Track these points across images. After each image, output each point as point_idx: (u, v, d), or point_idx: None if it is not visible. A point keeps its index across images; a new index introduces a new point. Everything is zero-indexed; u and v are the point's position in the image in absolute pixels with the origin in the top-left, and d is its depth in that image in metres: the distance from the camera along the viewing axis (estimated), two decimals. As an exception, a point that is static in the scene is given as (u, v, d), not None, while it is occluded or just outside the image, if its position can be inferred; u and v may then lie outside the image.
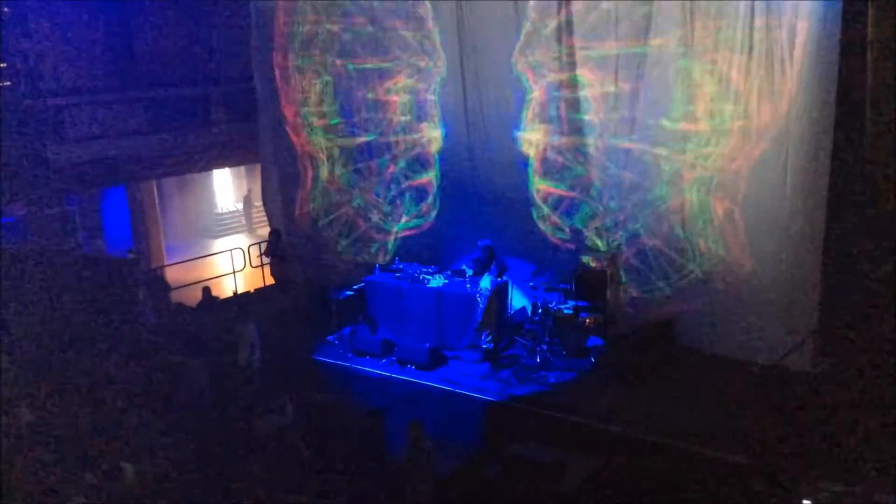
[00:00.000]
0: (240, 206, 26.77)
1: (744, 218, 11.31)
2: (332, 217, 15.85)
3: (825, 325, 10.55)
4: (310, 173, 15.94)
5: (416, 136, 14.76)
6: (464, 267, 13.18)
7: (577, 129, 12.76)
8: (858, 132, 10.22)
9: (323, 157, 15.78)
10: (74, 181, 16.05)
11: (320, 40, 15.22)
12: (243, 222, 26.28)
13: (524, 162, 13.46)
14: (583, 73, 12.52)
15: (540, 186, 13.34)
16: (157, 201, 19.41)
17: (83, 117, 15.86)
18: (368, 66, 14.86)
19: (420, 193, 14.96)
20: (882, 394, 8.93)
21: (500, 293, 12.60)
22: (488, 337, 12.45)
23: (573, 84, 12.65)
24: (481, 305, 12.42)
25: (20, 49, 15.88)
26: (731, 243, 11.50)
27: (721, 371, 11.07)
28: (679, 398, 10.61)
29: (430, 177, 14.80)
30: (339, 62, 15.13)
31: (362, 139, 15.30)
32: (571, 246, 13.08)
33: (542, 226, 13.43)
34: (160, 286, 15.45)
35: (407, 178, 15.02)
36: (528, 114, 13.25)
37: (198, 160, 18.70)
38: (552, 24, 12.63)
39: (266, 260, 15.94)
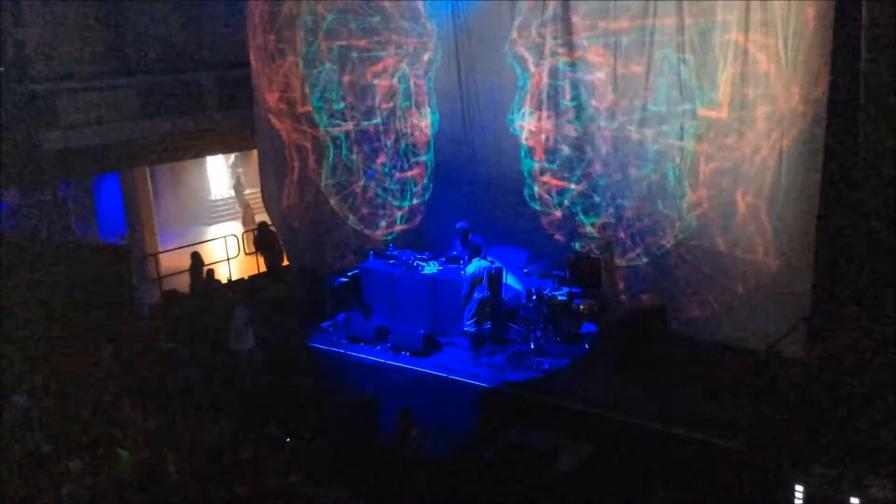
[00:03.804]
0: (233, 192, 26.64)
1: (742, 207, 11.31)
2: (320, 209, 15.58)
3: (818, 312, 10.59)
4: (296, 164, 15.61)
5: (407, 122, 14.56)
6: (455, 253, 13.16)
7: (574, 114, 12.64)
8: (852, 123, 10.22)
9: (308, 146, 15.40)
10: (67, 168, 15.97)
11: (305, 23, 14.89)
12: (237, 209, 26.17)
13: (519, 148, 13.37)
14: (583, 56, 12.33)
15: (536, 174, 13.25)
16: (150, 188, 19.31)
17: (76, 103, 15.76)
18: (358, 49, 14.59)
19: (411, 183, 14.77)
20: (874, 380, 8.98)
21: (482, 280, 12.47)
22: (470, 321, 12.41)
23: (572, 67, 12.49)
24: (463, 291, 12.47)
25: (12, 35, 15.78)
26: (724, 231, 11.52)
27: (715, 357, 11.13)
28: (673, 384, 10.65)
29: (421, 167, 14.64)
30: (324, 46, 14.79)
31: (349, 127, 15.00)
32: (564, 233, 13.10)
33: (536, 211, 13.37)
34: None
35: (398, 167, 14.76)
36: (524, 98, 13.12)
37: (191, 146, 18.66)
38: (551, 2, 12.45)
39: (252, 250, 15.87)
